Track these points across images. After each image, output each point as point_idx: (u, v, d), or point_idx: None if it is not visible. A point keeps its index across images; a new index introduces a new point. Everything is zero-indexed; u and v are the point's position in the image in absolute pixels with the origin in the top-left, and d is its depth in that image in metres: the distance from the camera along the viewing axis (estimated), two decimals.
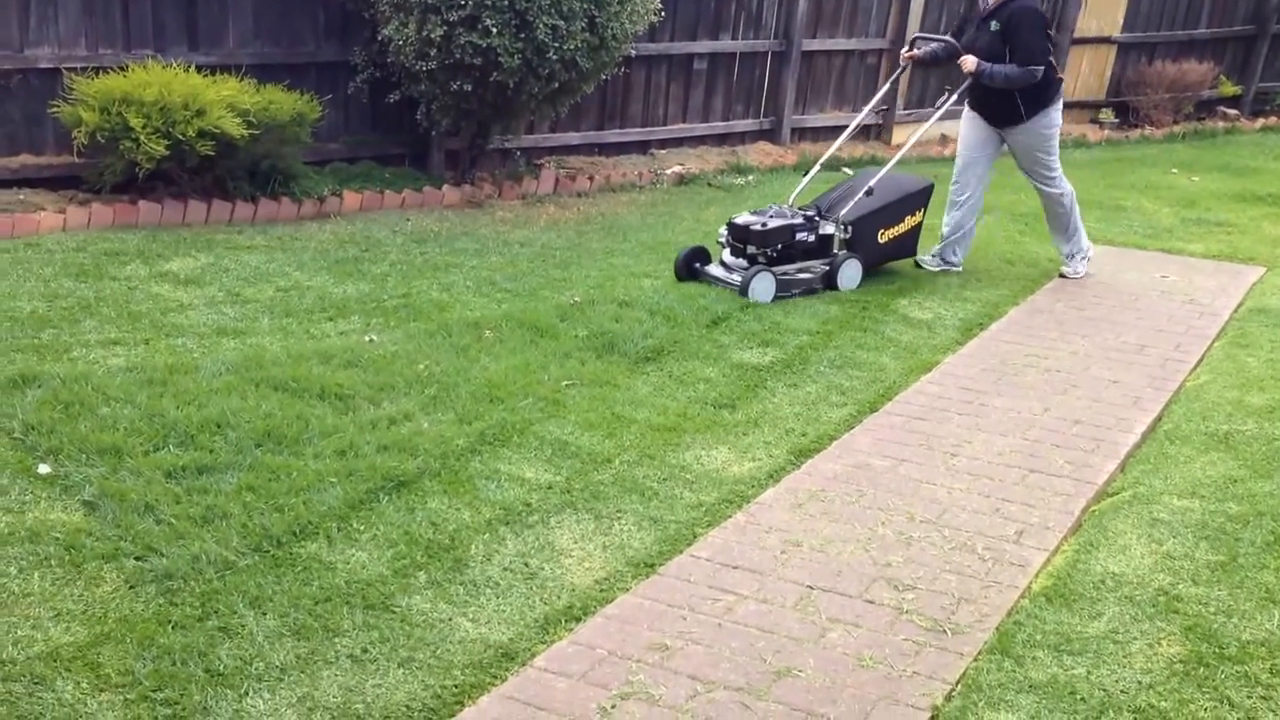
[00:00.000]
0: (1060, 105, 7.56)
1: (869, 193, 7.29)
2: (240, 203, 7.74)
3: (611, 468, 4.67)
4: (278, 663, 3.34)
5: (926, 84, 12.14)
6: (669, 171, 10.14)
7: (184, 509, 4.03)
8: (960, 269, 7.81)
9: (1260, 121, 14.48)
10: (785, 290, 6.97)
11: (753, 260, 7.03)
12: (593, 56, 8.26)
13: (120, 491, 4.09)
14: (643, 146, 10.56)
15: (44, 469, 4.23)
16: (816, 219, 7.23)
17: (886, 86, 8.07)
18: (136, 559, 3.75)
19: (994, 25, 7.28)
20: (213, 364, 5.21)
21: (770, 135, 11.39)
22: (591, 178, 9.62)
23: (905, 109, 12.06)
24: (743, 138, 11.24)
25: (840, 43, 11.55)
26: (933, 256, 7.85)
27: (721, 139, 11.10)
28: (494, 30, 7.65)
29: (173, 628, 3.44)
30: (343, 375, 5.22)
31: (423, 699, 3.25)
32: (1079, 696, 3.43)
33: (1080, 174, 11.21)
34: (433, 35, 7.72)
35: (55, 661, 3.27)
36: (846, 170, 7.61)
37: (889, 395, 5.62)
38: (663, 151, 10.62)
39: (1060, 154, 7.66)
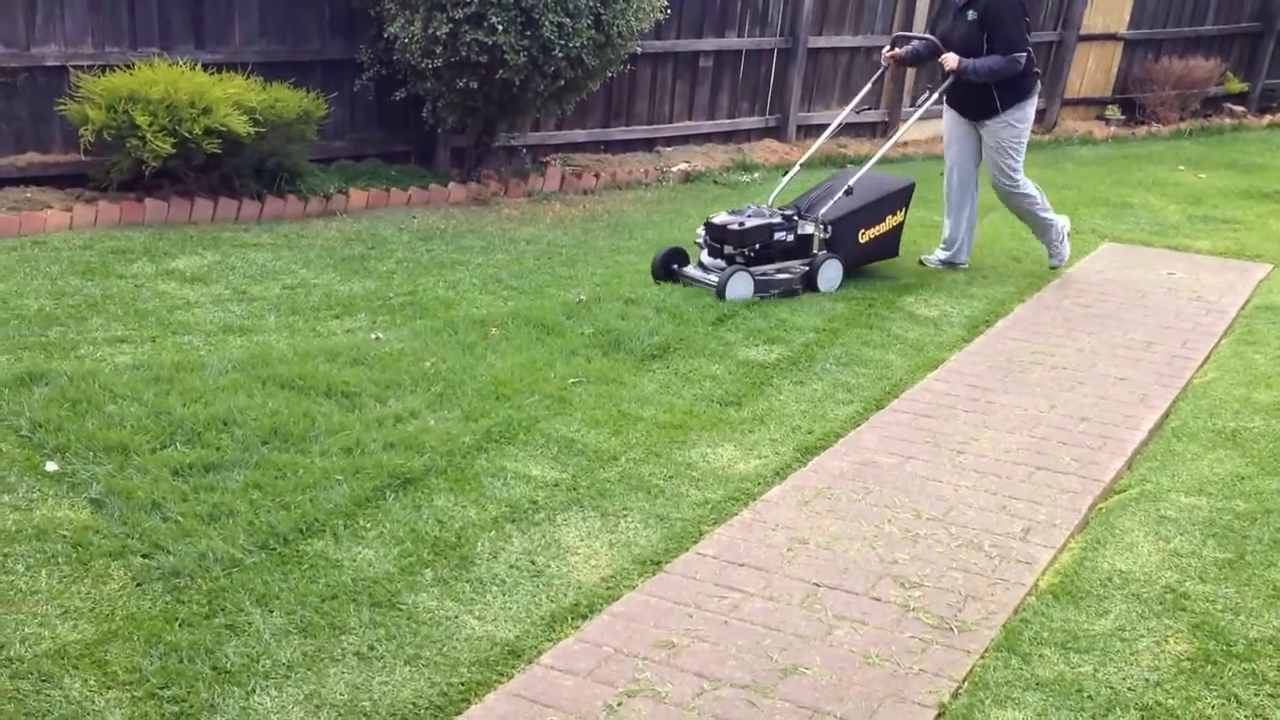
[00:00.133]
0: (1035, 100, 7.43)
1: (849, 192, 7.16)
2: (246, 200, 7.75)
3: (618, 465, 4.67)
4: (285, 660, 3.35)
5: (934, 79, 12.11)
6: (675, 169, 10.14)
7: (191, 506, 4.03)
8: (966, 266, 7.80)
9: (1267, 118, 14.46)
10: (764, 291, 6.85)
11: (730, 260, 6.91)
12: (598, 54, 8.26)
13: (127, 489, 4.09)
14: (649, 144, 10.57)
15: (51, 466, 4.23)
16: (795, 219, 7.08)
17: (869, 86, 7.98)
18: (143, 556, 3.76)
19: (971, 14, 7.14)
20: (219, 362, 5.22)
21: (776, 133, 11.38)
22: (597, 175, 9.62)
23: (911, 105, 12.04)
24: (748, 135, 11.24)
25: (846, 40, 11.54)
26: (935, 255, 7.84)
27: (727, 136, 11.10)
28: (500, 28, 7.65)
29: (180, 625, 3.45)
30: (349, 373, 5.22)
31: (429, 696, 3.25)
32: (1086, 694, 3.43)
33: (1087, 171, 11.22)
34: (438, 33, 7.72)
35: (63, 659, 3.27)
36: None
37: (895, 392, 5.62)
38: (669, 149, 10.63)
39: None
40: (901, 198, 7.51)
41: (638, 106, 10.35)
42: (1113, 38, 13.57)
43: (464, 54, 7.77)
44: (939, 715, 3.32)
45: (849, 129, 11.44)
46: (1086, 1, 13.03)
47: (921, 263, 7.83)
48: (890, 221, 7.47)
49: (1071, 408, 5.54)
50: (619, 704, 3.27)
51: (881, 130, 12.04)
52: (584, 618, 3.66)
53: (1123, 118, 13.72)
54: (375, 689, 3.26)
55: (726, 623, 3.68)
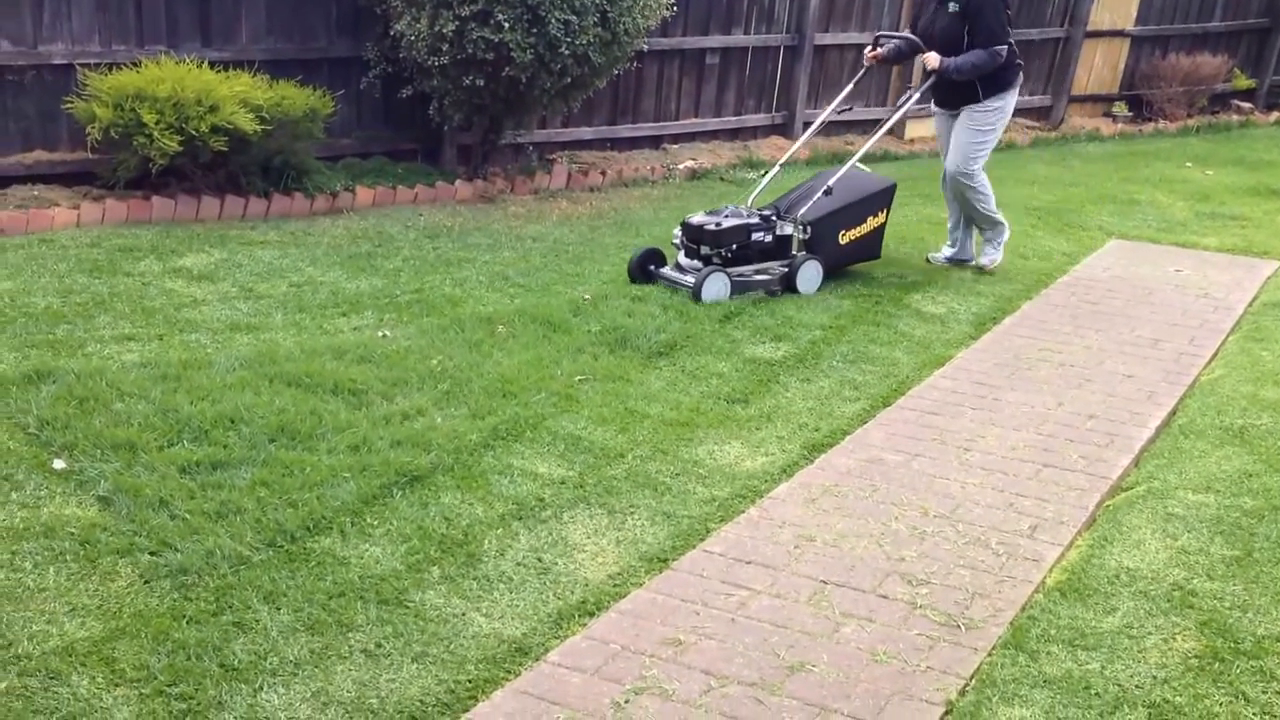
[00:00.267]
0: (1016, 93, 7.36)
1: (828, 192, 7.04)
2: (253, 198, 7.75)
3: (624, 463, 4.67)
4: (292, 657, 3.35)
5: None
6: (681, 166, 10.14)
7: (198, 504, 4.04)
8: (974, 262, 7.79)
9: (1275, 115, 14.41)
10: (741, 292, 6.75)
11: (708, 261, 6.78)
12: (605, 51, 8.26)
13: (135, 487, 4.10)
14: (655, 141, 10.56)
15: (59, 464, 4.24)
16: (773, 219, 6.95)
17: (850, 86, 7.93)
18: (151, 554, 3.76)
19: (952, 6, 7.08)
20: (226, 359, 5.23)
21: (783, 130, 11.37)
22: (604, 172, 9.62)
23: (918, 103, 12.02)
24: (755, 132, 11.22)
25: (853, 36, 11.52)
26: (942, 253, 7.83)
27: (734, 133, 11.09)
28: (506, 25, 7.65)
29: (187, 623, 3.45)
30: (356, 370, 5.23)
31: (436, 693, 3.26)
32: (1093, 691, 3.42)
33: (1094, 168, 11.21)
34: (445, 30, 7.72)
35: (70, 656, 3.28)
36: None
37: (902, 390, 5.61)
38: (675, 146, 10.62)
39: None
40: (883, 198, 7.38)
41: (644, 104, 10.35)
42: (1120, 34, 13.54)
43: (470, 51, 7.77)
44: (946, 713, 3.32)
45: (856, 126, 11.43)
46: None
47: (928, 260, 7.82)
48: (871, 222, 7.33)
49: (1079, 405, 5.53)
50: (626, 701, 3.27)
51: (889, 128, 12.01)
52: (591, 615, 3.66)
53: (1130, 114, 13.68)
54: (383, 686, 3.27)
55: (733, 620, 3.68)
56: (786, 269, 6.96)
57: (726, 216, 6.86)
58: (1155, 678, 3.50)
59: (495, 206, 8.63)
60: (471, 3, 7.65)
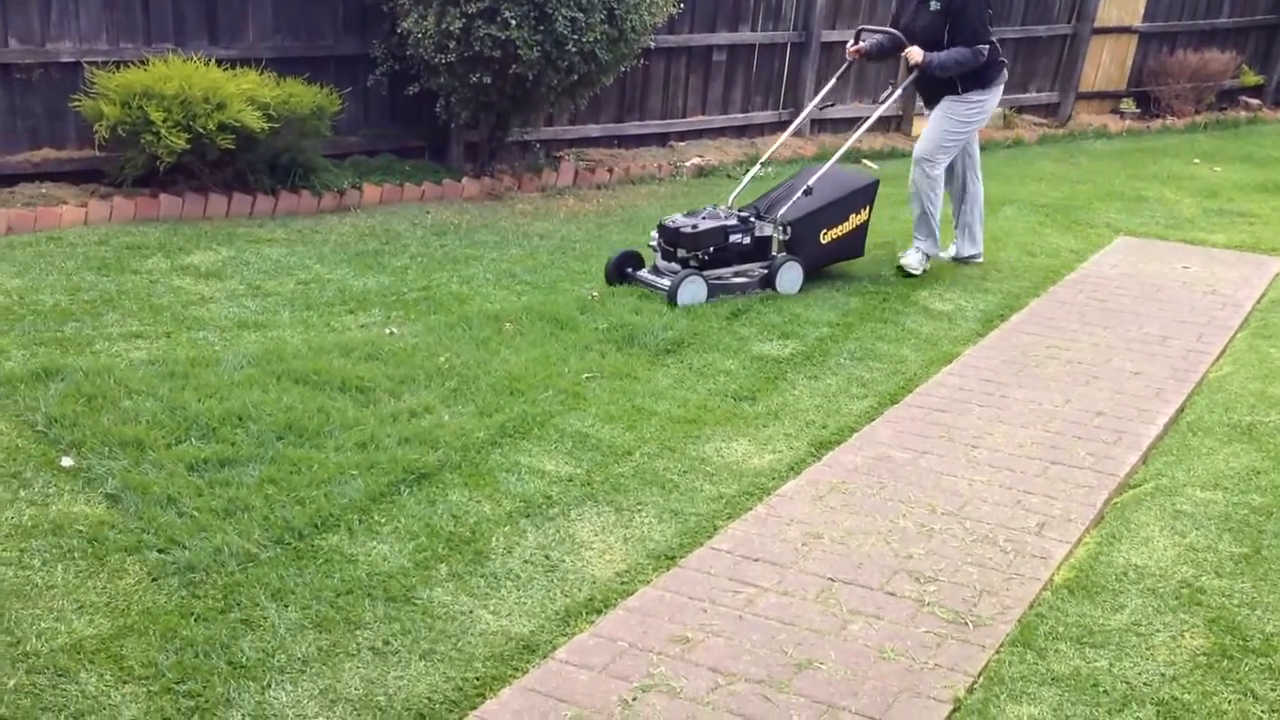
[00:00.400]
0: (999, 91, 7.31)
1: (808, 192, 6.93)
2: (260, 196, 7.76)
3: (632, 460, 4.67)
4: (300, 655, 3.35)
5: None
6: (688, 163, 10.14)
7: (206, 501, 4.04)
8: (981, 259, 7.78)
9: None
10: (718, 295, 6.63)
11: (685, 264, 6.64)
12: (612, 49, 8.26)
13: (143, 484, 4.10)
14: (662, 138, 10.56)
15: (67, 462, 4.25)
16: (752, 220, 6.82)
17: (833, 82, 7.88)
18: (159, 551, 3.77)
19: (934, 4, 7.03)
20: (234, 357, 5.23)
21: (789, 126, 11.33)
22: (611, 170, 9.62)
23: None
24: (762, 129, 11.21)
25: None
26: (948, 250, 7.80)
27: (741, 130, 11.08)
28: (513, 22, 7.65)
29: (195, 620, 3.46)
30: (363, 368, 5.23)
31: (444, 691, 3.26)
32: (1101, 689, 3.42)
33: (1101, 165, 11.19)
34: (452, 28, 7.72)
35: (79, 653, 3.28)
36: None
37: (910, 387, 5.61)
38: (682, 143, 10.62)
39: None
40: (864, 196, 7.24)
41: (651, 101, 10.35)
42: (1127, 30, 13.52)
43: (477, 49, 7.77)
44: (954, 710, 3.31)
45: (860, 123, 11.40)
46: None
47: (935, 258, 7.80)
48: (853, 221, 7.21)
49: (1086, 402, 5.52)
50: (633, 699, 3.27)
51: (895, 125, 12.00)
52: (598, 612, 3.66)
53: (1137, 111, 13.66)
54: (390, 683, 3.27)
55: (741, 618, 3.68)
56: (766, 270, 6.85)
57: (704, 218, 6.73)
58: (1164, 675, 3.49)
59: (502, 204, 8.64)
60: (478, 0, 7.65)
